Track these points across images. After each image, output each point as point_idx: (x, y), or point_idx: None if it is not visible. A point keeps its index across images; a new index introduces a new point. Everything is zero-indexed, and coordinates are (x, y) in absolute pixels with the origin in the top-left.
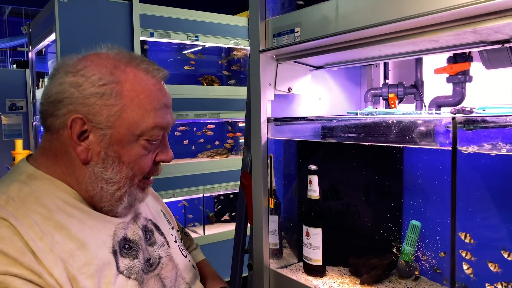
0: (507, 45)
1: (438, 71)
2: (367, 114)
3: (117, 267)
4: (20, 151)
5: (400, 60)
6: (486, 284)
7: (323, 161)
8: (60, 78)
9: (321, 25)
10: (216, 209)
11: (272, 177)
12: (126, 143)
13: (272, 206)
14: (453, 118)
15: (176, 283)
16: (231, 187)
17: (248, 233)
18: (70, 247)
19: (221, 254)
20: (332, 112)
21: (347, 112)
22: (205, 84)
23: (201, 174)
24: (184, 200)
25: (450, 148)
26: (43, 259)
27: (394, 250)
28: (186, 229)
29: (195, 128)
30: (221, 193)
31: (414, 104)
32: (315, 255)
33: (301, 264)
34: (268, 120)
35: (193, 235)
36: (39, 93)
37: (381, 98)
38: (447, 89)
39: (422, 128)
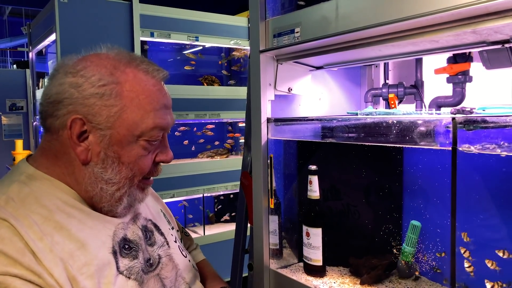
0: (507, 45)
1: (438, 71)
2: (367, 114)
3: (117, 267)
4: (20, 151)
5: (400, 60)
6: (485, 281)
7: (323, 161)
8: (60, 79)
9: (321, 26)
10: (216, 209)
11: (272, 177)
12: (125, 144)
13: (272, 206)
14: (453, 118)
15: (176, 283)
16: (231, 187)
17: (248, 233)
18: (70, 247)
19: (221, 254)
20: (332, 112)
21: (347, 112)
22: (205, 84)
23: (201, 174)
24: (184, 200)
25: (450, 148)
26: (43, 260)
27: (394, 250)
28: (186, 229)
29: (195, 128)
30: (221, 193)
31: (414, 104)
32: (315, 255)
33: (301, 264)
34: (268, 120)
35: (193, 235)
36: (39, 93)
37: (381, 98)
38: (447, 89)
39: (422, 129)
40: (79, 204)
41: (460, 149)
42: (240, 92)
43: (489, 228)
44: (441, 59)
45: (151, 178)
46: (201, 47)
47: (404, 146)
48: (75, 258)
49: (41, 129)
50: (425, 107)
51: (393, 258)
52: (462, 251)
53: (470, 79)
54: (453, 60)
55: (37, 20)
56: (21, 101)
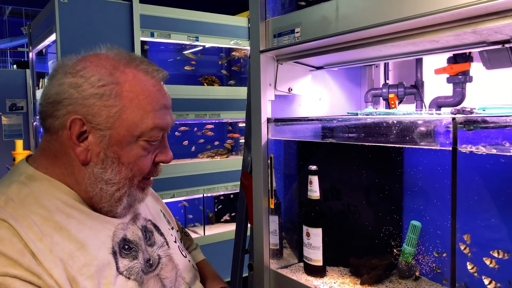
0: (507, 45)
1: (438, 71)
2: (367, 115)
3: (117, 268)
4: (20, 152)
5: (400, 60)
6: (483, 276)
7: (323, 162)
8: (59, 79)
9: (322, 26)
10: (216, 209)
11: (272, 177)
12: (125, 144)
13: (272, 206)
14: (453, 119)
15: (176, 283)
16: (231, 187)
17: (248, 233)
18: (69, 248)
19: (221, 254)
20: (332, 112)
21: (347, 113)
22: (205, 84)
23: (201, 174)
24: (184, 200)
25: (450, 148)
26: (42, 260)
27: (395, 251)
28: (186, 229)
29: (195, 128)
30: (221, 193)
31: (414, 104)
32: (315, 255)
33: (302, 264)
34: (269, 120)
35: (193, 235)
36: (39, 93)
37: (381, 98)
38: (447, 90)
39: (423, 129)
40: (79, 205)
41: (460, 149)
42: (240, 92)
43: (489, 228)
44: (441, 59)
45: (151, 178)
46: (201, 47)
47: (404, 146)
48: (75, 258)
49: (41, 129)
50: (425, 107)
51: (393, 259)
52: (464, 250)
53: (470, 79)
54: (453, 60)
55: (37, 20)
56: (21, 101)
